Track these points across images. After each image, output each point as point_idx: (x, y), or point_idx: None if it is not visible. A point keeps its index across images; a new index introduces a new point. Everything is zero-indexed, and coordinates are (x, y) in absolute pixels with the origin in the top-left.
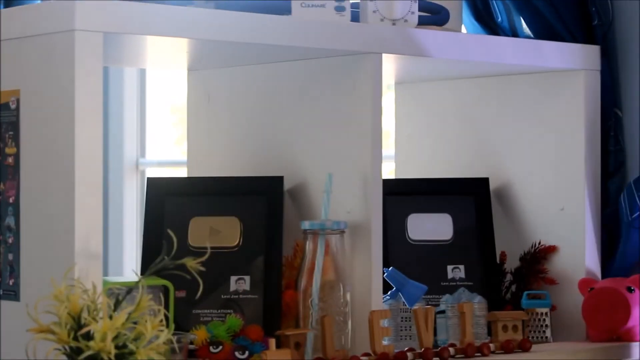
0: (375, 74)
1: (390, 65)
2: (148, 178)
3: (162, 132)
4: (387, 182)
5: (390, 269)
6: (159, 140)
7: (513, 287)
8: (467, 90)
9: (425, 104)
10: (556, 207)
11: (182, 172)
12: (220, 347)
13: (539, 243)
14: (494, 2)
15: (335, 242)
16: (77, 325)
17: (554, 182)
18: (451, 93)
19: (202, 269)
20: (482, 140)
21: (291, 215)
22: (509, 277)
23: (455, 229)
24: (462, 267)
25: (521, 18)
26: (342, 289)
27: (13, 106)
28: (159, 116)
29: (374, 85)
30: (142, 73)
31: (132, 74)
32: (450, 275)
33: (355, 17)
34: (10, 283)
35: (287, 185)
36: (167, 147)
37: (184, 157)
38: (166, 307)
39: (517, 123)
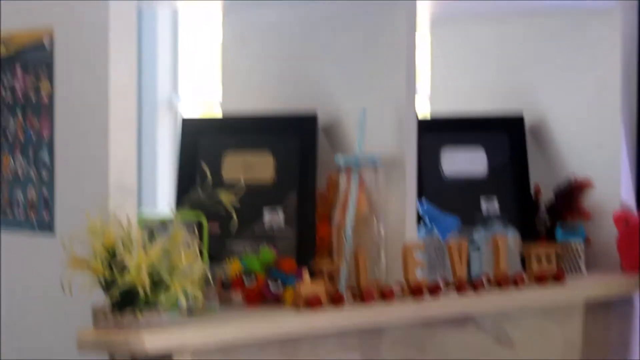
0: (410, 12)
1: (425, 2)
2: (183, 119)
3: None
4: (422, 119)
5: (424, 203)
6: (193, 80)
7: (547, 221)
8: (503, 29)
9: (460, 43)
10: (591, 142)
11: (215, 111)
12: (254, 279)
13: (574, 177)
14: None
15: (369, 176)
16: (112, 258)
17: (590, 118)
18: (487, 31)
19: (237, 202)
20: (517, 77)
21: (325, 149)
22: (543, 210)
23: (490, 164)
24: (495, 200)
25: None
26: (376, 222)
27: (47, 44)
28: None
29: (409, 22)
30: (175, 13)
31: (165, 14)
32: (484, 209)
33: None
34: (46, 217)
35: (321, 120)
36: (201, 86)
37: (217, 95)
38: (200, 240)
39: (553, 60)
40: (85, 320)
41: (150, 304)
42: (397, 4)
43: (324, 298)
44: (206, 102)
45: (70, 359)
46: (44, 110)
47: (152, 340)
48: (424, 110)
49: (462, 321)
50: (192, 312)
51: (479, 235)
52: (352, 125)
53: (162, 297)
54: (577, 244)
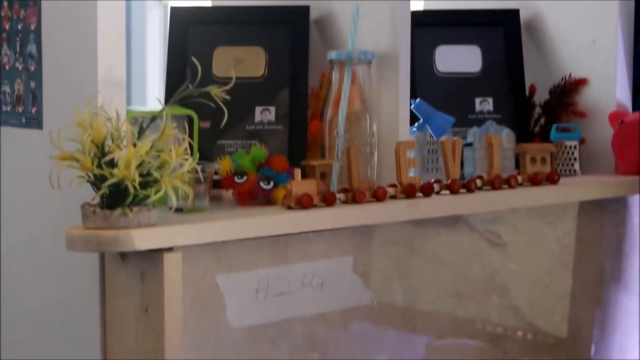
0: None
1: None
2: (171, 7)
3: None
4: (415, 13)
5: (417, 100)
6: None
7: (542, 120)
8: None
9: None
10: (587, 39)
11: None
12: (245, 178)
13: (569, 75)
14: None
15: (362, 72)
16: (101, 153)
17: (586, 13)
18: None
19: (227, 97)
20: None
21: (317, 46)
22: (538, 109)
23: (484, 61)
24: (490, 99)
25: None
26: (368, 119)
27: None
28: None
29: None
30: None
31: None
32: (478, 107)
33: None
34: (33, 111)
35: (313, 14)
36: None
37: None
38: (190, 136)
39: None
40: (74, 217)
41: (139, 201)
42: None
43: (315, 197)
44: None
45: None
46: None
47: (142, 237)
48: (417, 4)
49: (454, 221)
50: (182, 210)
51: (473, 134)
52: (345, 21)
53: (152, 194)
54: (572, 144)
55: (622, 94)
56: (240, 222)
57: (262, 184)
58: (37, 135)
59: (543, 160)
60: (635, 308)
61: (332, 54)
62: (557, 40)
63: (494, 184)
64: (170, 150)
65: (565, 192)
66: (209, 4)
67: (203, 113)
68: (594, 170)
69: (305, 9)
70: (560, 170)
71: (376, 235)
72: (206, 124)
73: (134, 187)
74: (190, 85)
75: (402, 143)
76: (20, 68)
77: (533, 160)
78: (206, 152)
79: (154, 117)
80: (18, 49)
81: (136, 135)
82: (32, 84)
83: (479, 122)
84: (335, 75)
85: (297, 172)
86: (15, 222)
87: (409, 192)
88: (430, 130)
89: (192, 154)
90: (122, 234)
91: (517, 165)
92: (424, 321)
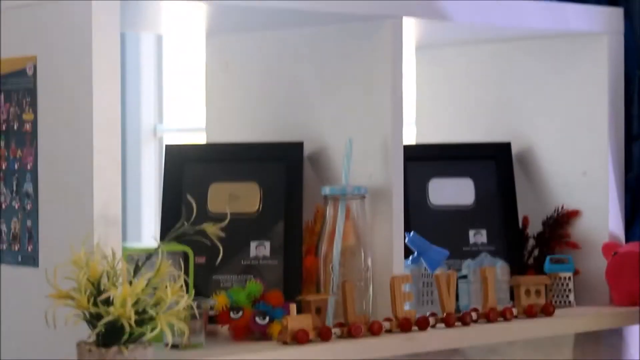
0: (396, 39)
1: (410, 29)
2: (166, 145)
3: (180, 98)
4: (408, 147)
5: (411, 233)
6: (177, 107)
7: (536, 252)
8: (489, 54)
9: (446, 69)
10: (579, 171)
11: (200, 139)
12: (241, 313)
13: (562, 207)
14: None
15: (356, 207)
16: (97, 291)
17: (577, 146)
18: (473, 57)
19: (222, 234)
20: (504, 104)
21: (311, 181)
22: (531, 241)
23: (477, 194)
24: (484, 231)
25: None
26: (363, 254)
27: (30, 72)
28: (176, 83)
29: (395, 49)
30: (159, 40)
31: (148, 41)
32: (472, 240)
33: None
34: (29, 249)
35: (307, 150)
36: (185, 113)
37: (201, 123)
38: (186, 273)
39: (540, 87)
40: (69, 355)
41: (135, 338)
42: (383, 30)
43: (311, 332)
44: (191, 131)
45: None
46: (27, 138)
47: None
48: (410, 139)
49: (450, 354)
50: (178, 346)
51: (468, 266)
52: (338, 156)
53: (148, 332)
54: (566, 275)
55: (615, 225)
56: (237, 358)
57: (257, 319)
58: (33, 273)
59: (538, 292)
60: None
61: (326, 190)
62: (549, 172)
63: (490, 316)
64: (166, 287)
65: (561, 324)
66: (204, 139)
67: (198, 249)
68: (588, 302)
69: (299, 145)
70: (555, 302)
71: None
72: (201, 260)
73: (130, 325)
74: (185, 223)
75: (396, 277)
76: (16, 207)
77: (528, 292)
78: (201, 287)
79: (149, 255)
80: (14, 188)
81: (132, 273)
82: (29, 223)
83: (473, 254)
84: (329, 210)
85: (293, 307)
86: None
87: (404, 326)
88: (424, 264)
89: (187, 291)
90: None
91: (512, 296)
92: None
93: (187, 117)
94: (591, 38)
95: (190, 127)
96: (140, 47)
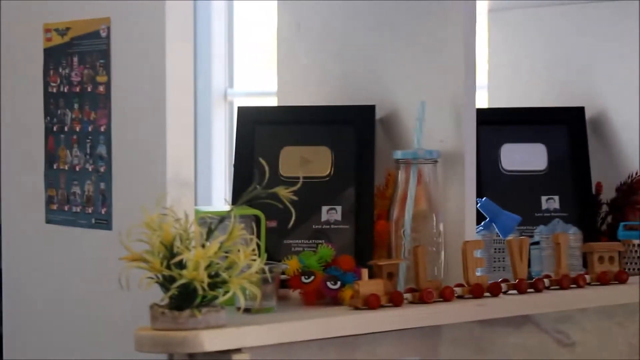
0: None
1: None
2: (238, 107)
3: (250, 62)
4: (480, 111)
5: (483, 199)
6: (247, 71)
7: (609, 219)
8: (562, 16)
9: (518, 31)
10: None
11: (270, 104)
12: (312, 277)
13: (636, 173)
14: None
15: (427, 171)
16: (170, 254)
17: None
18: (546, 19)
19: (295, 198)
20: (577, 67)
21: (383, 145)
22: (604, 208)
23: (550, 159)
24: (556, 197)
25: None
26: (434, 219)
27: (104, 34)
28: (247, 47)
29: (467, 11)
30: (230, 3)
31: (220, 4)
32: (544, 206)
33: None
34: (103, 212)
35: (378, 114)
36: (255, 77)
37: (271, 88)
38: (258, 236)
39: (614, 49)
40: (142, 318)
41: (208, 301)
42: None
43: (382, 297)
44: (261, 95)
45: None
46: (101, 100)
47: (211, 339)
48: (482, 102)
49: (522, 321)
50: (249, 310)
51: (540, 232)
52: (410, 119)
53: (220, 295)
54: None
55: None
56: (308, 323)
57: (329, 284)
58: (107, 236)
59: (611, 259)
60: None
61: (398, 154)
62: (623, 137)
63: (562, 283)
64: (239, 251)
65: (634, 291)
66: (274, 103)
67: (270, 212)
68: None
69: (371, 109)
70: (629, 269)
71: (444, 336)
72: (273, 224)
73: (203, 288)
74: (258, 186)
75: (468, 243)
76: (90, 169)
77: (601, 259)
78: (273, 251)
79: (222, 218)
80: (88, 151)
81: (204, 236)
82: (102, 185)
83: (546, 221)
84: (401, 175)
85: (364, 272)
86: (84, 322)
87: (476, 291)
88: (496, 229)
89: (259, 255)
90: (191, 335)
91: (585, 263)
92: None
93: (257, 81)
94: None
95: (261, 91)
96: (211, 10)
